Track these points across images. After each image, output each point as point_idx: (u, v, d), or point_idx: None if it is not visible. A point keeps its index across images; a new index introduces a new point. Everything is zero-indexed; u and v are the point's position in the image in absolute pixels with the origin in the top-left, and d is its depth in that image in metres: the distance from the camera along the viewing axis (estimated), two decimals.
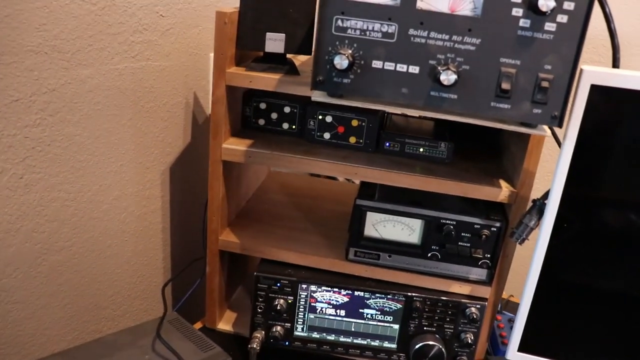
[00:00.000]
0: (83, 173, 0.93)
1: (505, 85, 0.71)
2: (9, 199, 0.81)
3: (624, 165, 0.79)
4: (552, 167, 0.89)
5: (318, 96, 0.79)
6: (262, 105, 0.99)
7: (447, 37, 0.71)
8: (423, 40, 0.72)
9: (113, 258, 1.04)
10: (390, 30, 0.72)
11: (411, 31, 0.72)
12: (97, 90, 0.92)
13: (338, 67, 0.72)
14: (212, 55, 1.16)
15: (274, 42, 0.91)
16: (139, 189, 1.06)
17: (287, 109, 0.99)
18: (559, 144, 0.84)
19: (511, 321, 1.14)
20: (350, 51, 0.73)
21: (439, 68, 0.72)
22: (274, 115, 0.99)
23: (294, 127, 1.00)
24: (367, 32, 0.73)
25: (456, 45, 0.71)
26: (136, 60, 0.98)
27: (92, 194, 0.96)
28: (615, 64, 0.78)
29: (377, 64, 0.74)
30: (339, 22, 0.73)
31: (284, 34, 0.90)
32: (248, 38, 0.90)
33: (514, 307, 1.18)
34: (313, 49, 0.75)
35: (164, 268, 1.18)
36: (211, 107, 0.92)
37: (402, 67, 0.73)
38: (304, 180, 1.30)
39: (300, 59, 1.02)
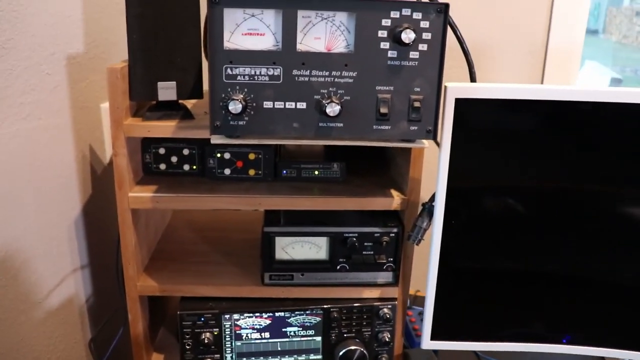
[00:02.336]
0: None
1: (383, 110, 0.81)
2: None
3: (492, 161, 0.91)
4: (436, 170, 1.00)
5: (217, 139, 0.84)
6: (161, 151, 1.03)
7: (327, 73, 0.80)
8: (306, 79, 0.80)
9: (27, 323, 1.02)
10: (276, 73, 0.79)
11: (295, 72, 0.79)
12: None
13: (233, 111, 0.78)
14: (102, 105, 1.18)
15: (166, 91, 0.95)
16: (46, 248, 1.05)
17: (186, 151, 1.03)
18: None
19: (421, 314, 1.25)
20: (242, 95, 0.79)
21: (324, 101, 0.80)
22: (174, 159, 1.03)
23: (194, 167, 1.04)
24: (255, 77, 0.80)
25: (336, 80, 0.80)
26: (27, 121, 0.98)
27: None
28: (472, 78, 0.90)
29: (267, 104, 0.81)
30: (229, 71, 0.79)
31: (174, 82, 0.95)
32: (140, 89, 0.94)
33: (421, 301, 1.28)
34: (208, 97, 0.81)
35: (81, 323, 1.17)
36: (113, 159, 0.94)
37: (290, 105, 0.81)
38: (208, 214, 1.34)
39: (191, 102, 1.07)
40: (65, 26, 1.06)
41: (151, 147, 1.03)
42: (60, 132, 1.07)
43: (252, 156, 1.01)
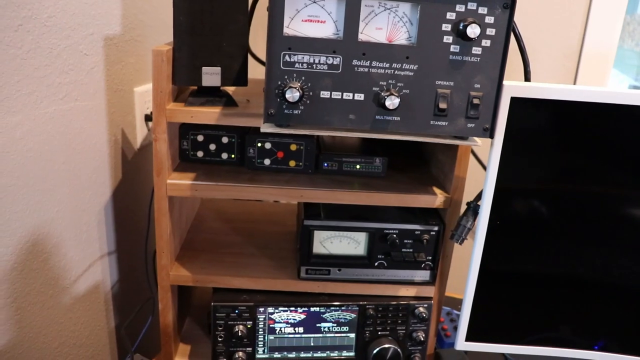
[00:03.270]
0: (20, 224, 0.89)
1: (442, 105, 0.79)
2: None
3: (544, 163, 0.90)
4: (473, 171, 0.99)
5: (267, 128, 0.82)
6: (200, 138, 1.01)
7: (387, 65, 0.77)
8: (366, 70, 0.78)
9: (55, 308, 1.00)
10: (335, 62, 0.77)
11: (355, 62, 0.77)
12: (28, 136, 0.89)
13: (290, 99, 0.76)
14: (136, 89, 1.16)
15: (211, 76, 0.93)
16: (76, 233, 1.03)
17: (225, 139, 1.01)
18: (483, 166, 0.94)
19: (449, 314, 1.23)
20: (299, 84, 0.77)
21: (382, 94, 0.78)
22: (212, 147, 1.01)
23: (232, 156, 1.02)
24: (314, 65, 0.77)
25: (396, 72, 0.78)
26: (65, 102, 0.96)
27: (30, 244, 0.92)
28: (527, 77, 0.89)
29: (324, 94, 0.78)
30: (287, 57, 0.77)
31: (219, 68, 0.93)
32: (184, 74, 0.92)
33: (448, 301, 1.27)
34: (264, 84, 0.78)
35: (106, 310, 1.15)
36: (153, 144, 0.92)
37: (348, 96, 0.79)
38: (236, 206, 1.32)
39: (231, 89, 1.04)
40: (104, 6, 1.03)
41: (189, 133, 1.00)
42: (95, 115, 1.05)
43: (293, 147, 0.99)
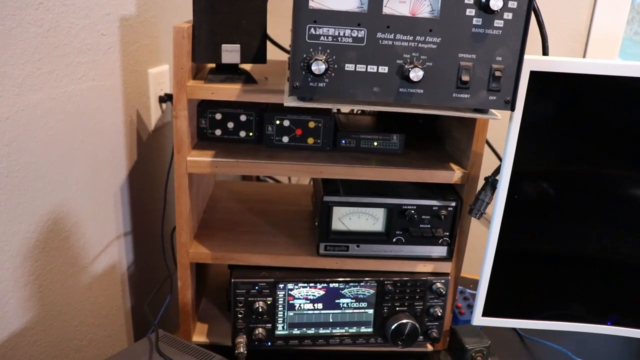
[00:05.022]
0: (42, 202, 0.90)
1: (465, 77, 0.80)
2: None
3: (562, 137, 0.91)
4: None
5: (290, 102, 0.83)
6: (218, 116, 1.01)
7: (411, 38, 0.78)
8: (390, 42, 0.78)
9: (74, 287, 1.00)
10: (360, 35, 0.78)
11: (379, 35, 0.78)
12: (49, 115, 0.89)
13: (316, 72, 0.77)
14: (150, 71, 1.16)
15: (230, 54, 0.93)
16: (94, 212, 1.03)
17: (243, 117, 1.01)
18: (497, 155, 0.94)
19: (462, 292, 1.25)
20: (324, 56, 0.78)
21: (406, 66, 0.78)
22: (230, 125, 1.02)
23: (250, 134, 1.02)
24: (339, 38, 0.78)
25: (420, 45, 0.79)
26: (83, 81, 0.96)
27: (51, 222, 0.93)
28: (545, 51, 0.90)
29: (349, 67, 0.79)
30: (312, 30, 0.77)
31: (239, 45, 0.93)
32: (204, 51, 0.92)
33: (460, 281, 1.28)
34: (289, 57, 0.79)
35: (122, 290, 1.15)
36: (174, 121, 0.92)
37: (372, 68, 0.79)
38: (250, 186, 1.33)
39: (247, 67, 1.05)
40: None
41: (207, 112, 1.01)
42: (112, 95, 1.05)
43: (312, 124, 0.99)
